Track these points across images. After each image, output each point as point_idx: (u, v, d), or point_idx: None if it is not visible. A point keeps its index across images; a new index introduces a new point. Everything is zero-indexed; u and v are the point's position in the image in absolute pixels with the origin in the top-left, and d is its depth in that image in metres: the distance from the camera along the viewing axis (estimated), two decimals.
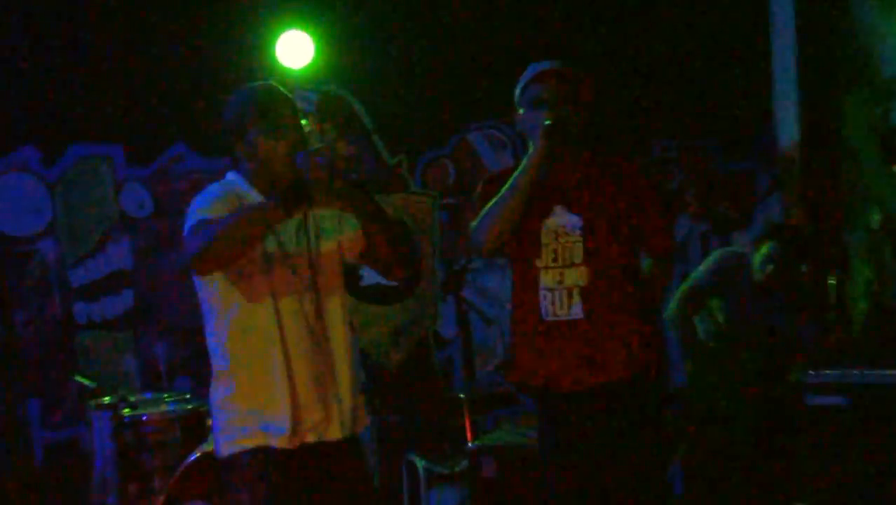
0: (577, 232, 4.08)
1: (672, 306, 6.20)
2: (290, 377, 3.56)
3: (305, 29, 7.38)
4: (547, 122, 3.95)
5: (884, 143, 6.45)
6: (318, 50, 7.41)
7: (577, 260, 4.07)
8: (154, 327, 7.53)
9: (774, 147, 7.36)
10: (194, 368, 7.43)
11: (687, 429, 6.29)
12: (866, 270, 6.69)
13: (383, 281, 7.77)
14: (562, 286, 4.08)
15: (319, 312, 3.65)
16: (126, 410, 6.12)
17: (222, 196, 3.59)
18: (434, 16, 7.68)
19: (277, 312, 3.56)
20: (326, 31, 7.45)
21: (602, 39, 7.68)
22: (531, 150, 4.02)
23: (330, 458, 3.65)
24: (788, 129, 7.09)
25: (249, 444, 3.57)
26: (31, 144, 7.32)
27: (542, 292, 4.08)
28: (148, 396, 6.52)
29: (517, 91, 4.22)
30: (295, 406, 3.56)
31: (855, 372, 5.45)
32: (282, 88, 3.77)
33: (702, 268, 6.24)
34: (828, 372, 5.51)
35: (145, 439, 6.09)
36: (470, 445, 5.97)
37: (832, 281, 6.57)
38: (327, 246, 3.72)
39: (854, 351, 6.38)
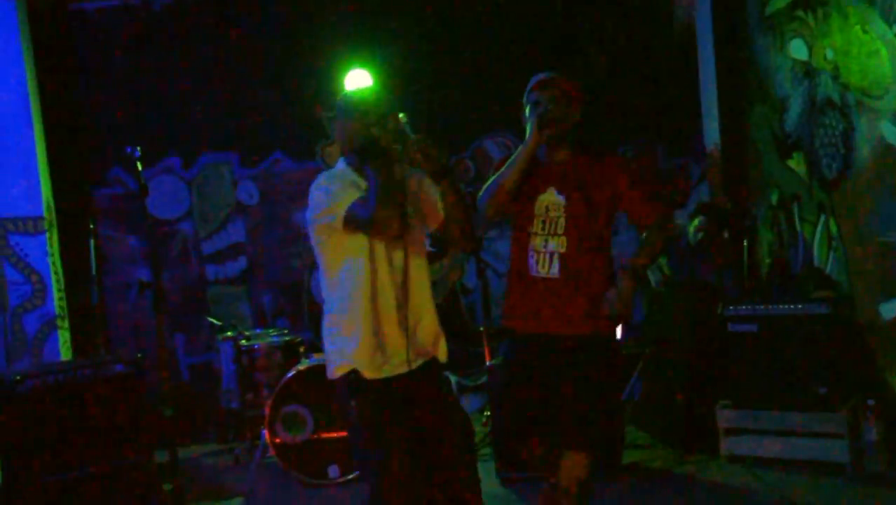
0: (562, 209, 3.83)
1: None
2: (378, 321, 3.25)
3: (367, 67, 7.38)
4: (537, 114, 3.76)
5: (778, 145, 6.37)
6: (375, 82, 7.40)
7: (560, 231, 3.83)
8: (261, 283, 7.56)
9: (702, 147, 7.26)
10: (290, 311, 7.52)
11: (644, 350, 6.27)
12: (769, 236, 6.63)
13: (426, 246, 7.83)
14: (546, 250, 3.82)
15: (406, 270, 3.31)
16: (243, 341, 6.20)
17: (344, 182, 3.29)
18: (458, 57, 7.64)
19: (373, 270, 3.26)
20: (382, 69, 7.43)
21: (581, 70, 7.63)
22: (523, 145, 3.77)
23: (418, 382, 3.32)
24: (712, 134, 7.01)
25: (344, 371, 3.29)
26: (174, 154, 7.42)
27: (530, 253, 3.83)
28: (258, 331, 6.59)
29: (525, 96, 3.95)
30: (382, 345, 3.26)
31: (761, 307, 5.37)
32: (362, 93, 3.49)
33: None
34: (742, 307, 5.40)
35: (257, 362, 6.16)
36: (488, 363, 5.84)
37: (745, 244, 6.54)
38: (414, 219, 3.37)
39: (761, 292, 6.35)
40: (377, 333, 3.25)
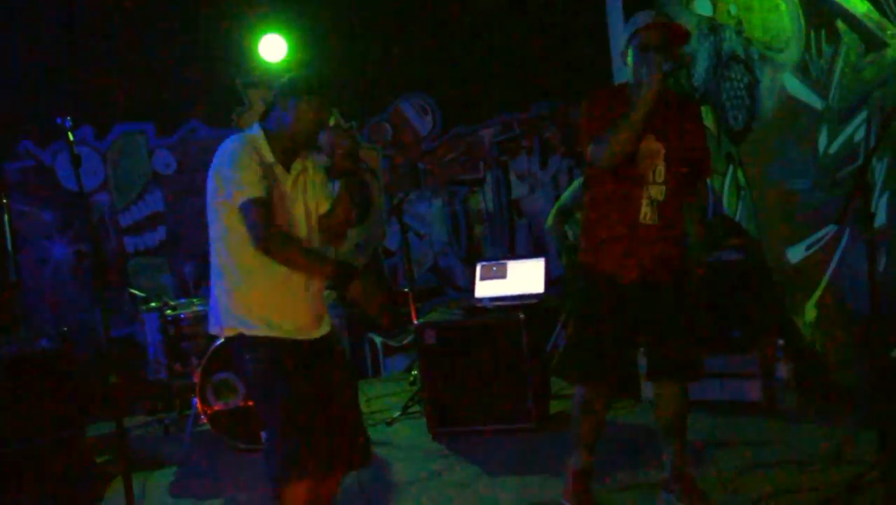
0: (661, 157, 3.77)
1: (549, 219, 6.19)
2: (275, 284, 3.31)
3: (280, 32, 7.34)
4: (666, 69, 3.54)
5: None
6: (290, 48, 7.36)
7: (660, 179, 3.77)
8: (182, 253, 7.49)
9: None
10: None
11: (565, 302, 6.41)
12: None
13: None
14: (650, 199, 3.78)
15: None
16: (168, 312, 6.14)
17: (251, 161, 3.23)
18: (373, 19, 7.66)
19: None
20: (297, 34, 7.40)
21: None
22: (644, 89, 3.53)
23: (316, 346, 3.41)
24: None
25: (260, 333, 3.30)
26: (87, 124, 7.25)
27: (632, 201, 3.76)
28: (182, 300, 6.51)
29: (625, 37, 3.76)
30: (278, 307, 3.33)
31: None
32: (324, 81, 3.45)
33: (567, 191, 6.14)
34: None
35: (183, 331, 6.11)
36: (415, 323, 5.89)
37: None
38: (311, 199, 3.45)
39: None
40: (275, 295, 3.30)
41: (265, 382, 3.33)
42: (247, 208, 3.18)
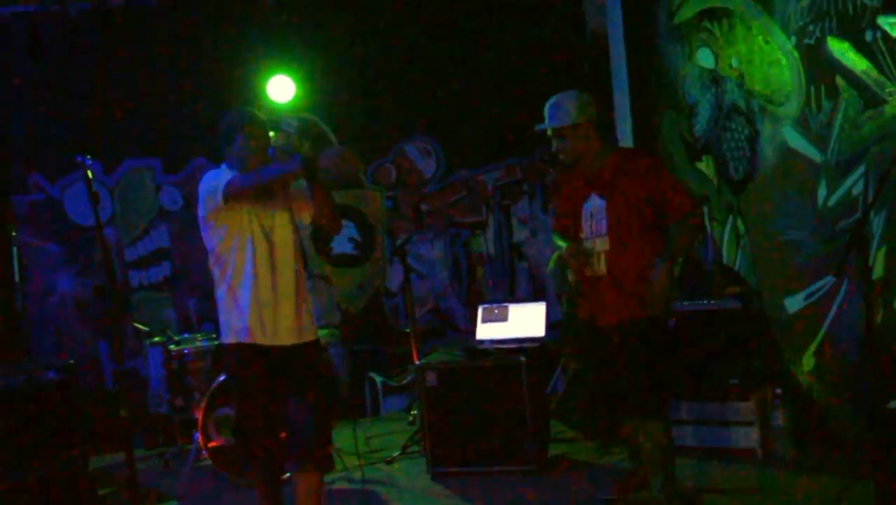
0: (602, 211, 4.23)
1: (550, 263, 6.25)
2: (257, 299, 3.89)
3: (289, 73, 7.46)
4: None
5: (687, 148, 6.62)
6: (298, 89, 7.49)
7: (603, 231, 4.23)
8: (186, 288, 7.57)
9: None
10: (215, 316, 7.50)
11: (564, 347, 6.46)
12: None
13: (348, 250, 7.95)
14: (594, 251, 4.26)
15: (273, 261, 3.92)
16: (172, 346, 6.19)
17: (224, 176, 3.89)
18: (379, 62, 7.79)
19: (254, 255, 3.89)
20: (304, 76, 7.52)
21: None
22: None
23: (288, 355, 3.96)
24: (626, 138, 7.21)
25: (231, 341, 3.98)
26: (96, 160, 7.30)
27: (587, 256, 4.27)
28: (185, 335, 6.56)
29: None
30: (256, 321, 3.90)
31: (676, 303, 5.50)
32: (255, 111, 4.11)
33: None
34: None
35: (186, 366, 6.16)
36: (416, 363, 5.90)
37: None
38: (282, 216, 4.01)
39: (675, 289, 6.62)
40: (256, 307, 3.90)
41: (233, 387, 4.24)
42: (231, 181, 3.81)
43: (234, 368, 4.08)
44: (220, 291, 4.02)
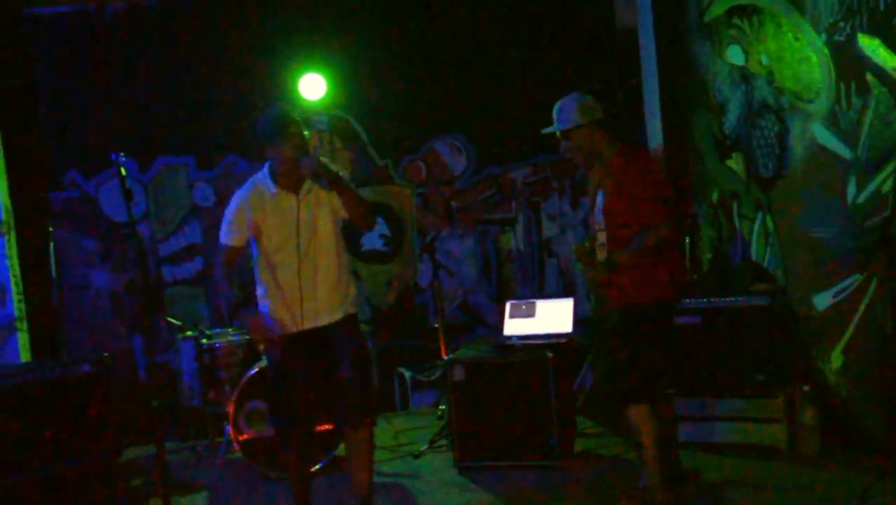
0: (602, 208, 4.53)
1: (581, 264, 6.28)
2: (284, 289, 4.25)
3: (320, 72, 7.52)
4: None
5: (717, 145, 6.62)
6: (329, 87, 7.55)
7: (602, 227, 4.54)
8: (218, 283, 7.66)
9: (647, 147, 7.45)
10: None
11: (593, 342, 6.49)
12: (710, 232, 6.89)
13: (378, 246, 8.01)
14: (598, 242, 4.58)
15: (310, 254, 4.23)
16: (204, 340, 6.28)
17: (238, 216, 4.29)
18: (411, 59, 7.82)
19: (289, 248, 4.21)
20: (336, 73, 7.58)
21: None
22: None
23: (325, 332, 4.32)
24: (656, 136, 7.25)
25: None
26: (130, 157, 7.42)
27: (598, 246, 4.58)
28: (217, 330, 6.63)
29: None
30: (286, 312, 4.27)
31: (703, 300, 5.68)
32: (292, 113, 4.30)
33: None
34: (687, 300, 5.57)
35: (218, 360, 6.24)
36: (445, 359, 5.96)
37: (687, 239, 6.81)
38: (322, 210, 4.26)
39: (702, 286, 6.62)
40: (284, 301, 4.27)
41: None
42: (219, 248, 4.39)
43: (273, 357, 4.38)
44: (257, 283, 4.43)
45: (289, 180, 4.23)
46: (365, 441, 4.35)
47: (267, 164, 4.30)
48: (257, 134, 4.24)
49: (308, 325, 4.29)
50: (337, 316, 4.34)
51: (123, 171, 3.66)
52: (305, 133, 4.25)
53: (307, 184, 4.23)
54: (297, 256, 4.21)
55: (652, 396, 4.50)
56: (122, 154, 3.64)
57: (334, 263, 4.32)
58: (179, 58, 7.55)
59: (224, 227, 4.35)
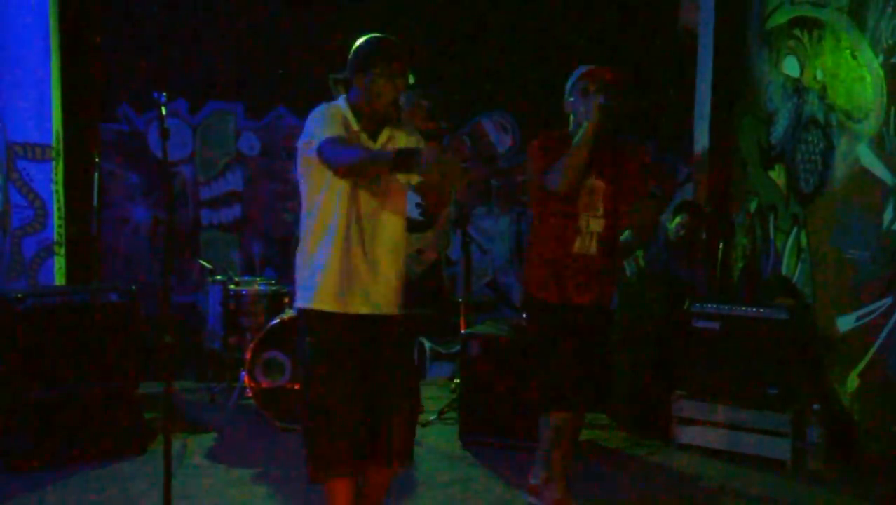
0: (601, 192, 4.22)
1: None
2: (344, 259, 3.39)
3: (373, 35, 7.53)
4: (601, 103, 4.04)
5: (763, 155, 6.59)
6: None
7: (599, 213, 4.23)
8: (253, 232, 7.79)
9: (692, 150, 7.48)
10: (277, 262, 7.74)
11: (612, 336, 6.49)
12: (744, 241, 6.88)
13: (413, 215, 8.05)
14: (587, 230, 4.23)
15: (381, 220, 3.45)
16: (232, 286, 6.37)
17: (335, 118, 3.37)
18: (463, 32, 7.83)
19: (355, 214, 3.39)
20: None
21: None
22: (584, 126, 4.05)
23: (375, 326, 3.44)
24: (702, 139, 7.23)
25: (308, 304, 3.45)
26: (182, 98, 7.63)
27: (574, 231, 4.21)
28: (246, 277, 6.77)
29: (569, 84, 4.27)
30: (342, 284, 3.39)
31: (726, 307, 5.67)
32: (403, 45, 3.52)
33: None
34: (709, 305, 5.68)
35: (243, 307, 6.34)
36: (462, 333, 5.99)
37: (721, 246, 6.81)
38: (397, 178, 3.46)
39: (729, 293, 6.62)
40: (341, 264, 3.38)
41: (307, 366, 3.49)
42: (323, 145, 3.26)
43: (308, 336, 3.46)
44: (305, 244, 3.49)
45: (370, 123, 3.47)
46: (387, 484, 3.65)
47: (342, 98, 3.52)
48: (351, 57, 3.48)
49: (358, 309, 3.43)
50: (395, 311, 3.52)
51: (163, 111, 3.67)
52: (410, 77, 3.49)
53: (386, 131, 3.51)
54: (364, 223, 3.41)
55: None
56: (164, 93, 3.67)
57: (397, 239, 3.53)
58: (238, 4, 7.65)
59: (321, 129, 3.32)
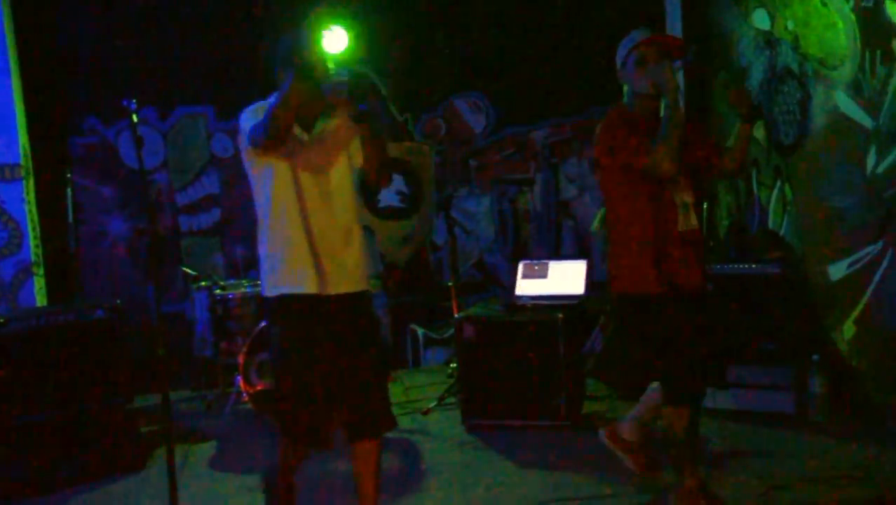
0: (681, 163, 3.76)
1: (595, 223, 6.26)
2: (299, 243, 3.48)
3: (342, 24, 7.47)
4: (688, 60, 3.81)
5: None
6: (350, 41, 7.51)
7: (682, 185, 3.84)
8: (234, 235, 7.70)
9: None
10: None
11: (605, 305, 6.47)
12: (728, 198, 6.86)
13: (395, 203, 8.01)
14: (681, 202, 3.83)
15: (329, 203, 3.53)
16: (218, 291, 6.33)
17: (258, 112, 3.44)
18: (433, 16, 7.78)
19: (301, 200, 3.47)
20: (358, 27, 7.54)
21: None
22: (669, 93, 3.71)
23: (338, 304, 3.52)
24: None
25: (276, 291, 3.52)
26: (150, 105, 7.52)
27: (670, 208, 3.78)
28: (231, 281, 6.70)
29: (622, 52, 3.94)
30: (300, 267, 3.48)
31: (717, 266, 5.65)
32: (313, 36, 3.60)
33: None
34: None
35: (231, 311, 6.29)
36: (455, 316, 5.92)
37: (705, 206, 6.78)
38: (337, 153, 3.58)
39: (718, 252, 6.61)
40: (297, 249, 3.47)
41: (275, 350, 3.60)
42: (250, 130, 3.40)
43: (276, 324, 3.57)
44: (262, 237, 3.57)
45: (299, 115, 3.49)
46: (376, 451, 3.69)
47: (273, 97, 3.48)
48: (276, 57, 3.57)
49: (321, 289, 3.51)
50: (355, 287, 3.60)
51: (135, 118, 3.60)
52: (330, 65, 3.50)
53: (321, 122, 3.59)
54: (317, 208, 3.50)
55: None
56: (133, 100, 3.59)
57: (350, 220, 3.62)
58: (202, 8, 7.53)
59: (248, 120, 3.47)
